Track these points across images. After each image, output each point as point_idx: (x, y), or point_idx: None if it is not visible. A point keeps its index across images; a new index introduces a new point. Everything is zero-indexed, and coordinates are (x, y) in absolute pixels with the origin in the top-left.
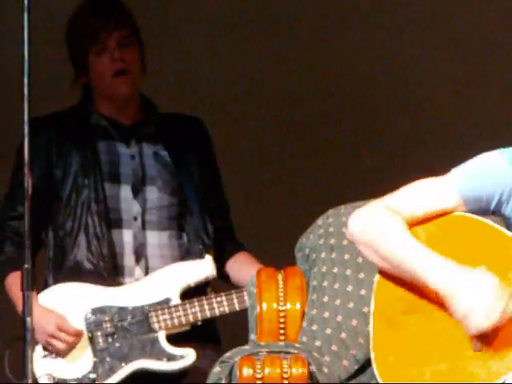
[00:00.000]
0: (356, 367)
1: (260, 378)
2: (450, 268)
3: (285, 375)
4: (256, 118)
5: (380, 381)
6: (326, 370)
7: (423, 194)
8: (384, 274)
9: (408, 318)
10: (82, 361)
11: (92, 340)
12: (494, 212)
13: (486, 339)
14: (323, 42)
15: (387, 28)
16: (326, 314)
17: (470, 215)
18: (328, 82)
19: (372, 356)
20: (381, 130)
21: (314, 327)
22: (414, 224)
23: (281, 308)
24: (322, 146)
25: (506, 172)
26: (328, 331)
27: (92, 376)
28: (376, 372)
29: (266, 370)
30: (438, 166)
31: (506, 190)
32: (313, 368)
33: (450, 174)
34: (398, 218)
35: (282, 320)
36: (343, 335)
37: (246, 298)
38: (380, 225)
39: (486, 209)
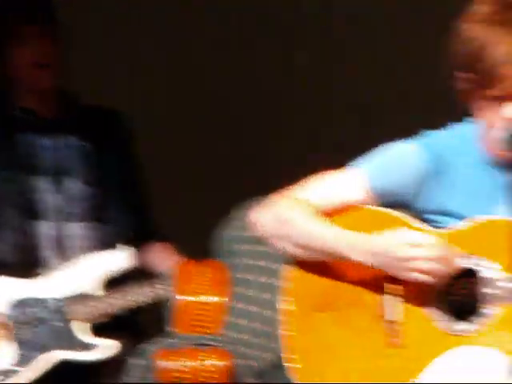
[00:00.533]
0: (279, 360)
1: (178, 371)
2: (371, 238)
3: (210, 368)
4: (176, 111)
5: (300, 381)
6: (249, 363)
7: (332, 187)
8: (293, 271)
9: (325, 315)
10: (3, 353)
11: (13, 331)
12: (407, 206)
13: (405, 335)
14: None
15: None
16: (251, 307)
17: (379, 209)
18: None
19: (288, 357)
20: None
21: (238, 320)
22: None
23: (202, 300)
24: (239, 141)
25: (413, 162)
26: (252, 324)
27: (14, 367)
28: (297, 374)
29: (186, 363)
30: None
31: (419, 183)
32: (236, 361)
33: (361, 166)
34: (307, 206)
35: (201, 312)
36: (267, 328)
37: (166, 289)
38: (291, 215)
39: (397, 201)
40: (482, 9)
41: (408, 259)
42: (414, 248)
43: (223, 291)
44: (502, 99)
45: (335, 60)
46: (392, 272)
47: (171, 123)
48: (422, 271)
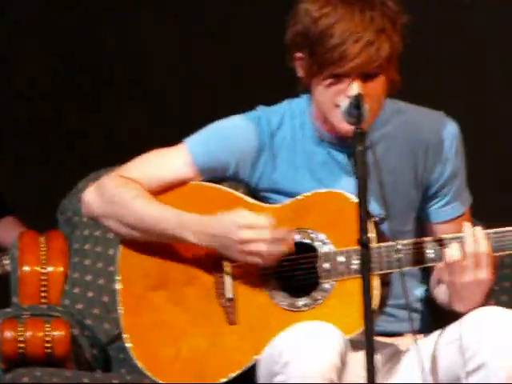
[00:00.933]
0: (118, 330)
1: (22, 341)
2: (203, 219)
3: (47, 338)
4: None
5: (137, 362)
6: (87, 332)
7: (159, 164)
8: (127, 248)
9: (158, 294)
10: None
11: None
12: (233, 178)
13: (243, 313)
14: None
15: None
16: (88, 277)
17: (207, 184)
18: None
19: (125, 337)
20: None
21: (76, 290)
22: (152, 194)
23: (43, 271)
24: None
25: (242, 138)
26: (90, 294)
27: None
28: (131, 352)
29: (28, 333)
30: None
31: (242, 157)
32: (75, 331)
33: (186, 143)
34: (135, 185)
35: (44, 283)
36: (105, 298)
37: (10, 261)
38: (120, 195)
39: (224, 176)
40: None
41: (242, 242)
42: (248, 230)
43: (63, 262)
44: (343, 77)
45: None
46: (227, 254)
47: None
48: (256, 253)
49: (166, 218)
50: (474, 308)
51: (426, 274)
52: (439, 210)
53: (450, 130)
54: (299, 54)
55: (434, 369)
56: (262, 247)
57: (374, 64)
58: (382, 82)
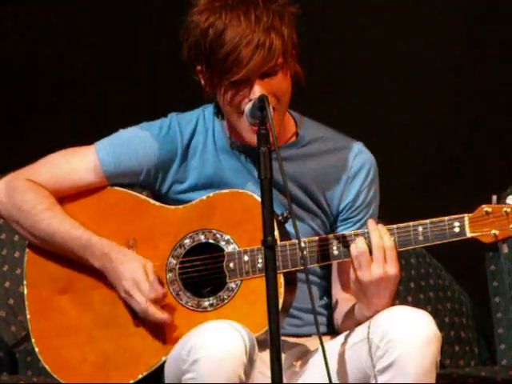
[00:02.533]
0: (24, 333)
1: None
2: (102, 245)
3: None
4: None
5: (45, 365)
6: None
7: (66, 167)
8: (33, 252)
9: (65, 297)
10: None
11: None
12: (142, 184)
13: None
14: None
15: None
16: None
17: (114, 188)
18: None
19: (33, 341)
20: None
21: None
22: (60, 197)
23: None
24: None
25: (152, 146)
26: None
27: None
28: (39, 357)
29: None
30: None
31: (153, 165)
32: None
33: (95, 147)
34: (45, 194)
35: None
36: (11, 301)
37: None
38: (23, 199)
39: (133, 182)
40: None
41: (127, 292)
42: (135, 288)
43: None
44: (243, 82)
45: None
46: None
47: None
48: (133, 304)
49: (74, 239)
50: (379, 310)
51: (328, 286)
52: None
53: (367, 159)
54: (198, 67)
55: (341, 369)
56: (137, 306)
57: (270, 63)
58: (283, 77)
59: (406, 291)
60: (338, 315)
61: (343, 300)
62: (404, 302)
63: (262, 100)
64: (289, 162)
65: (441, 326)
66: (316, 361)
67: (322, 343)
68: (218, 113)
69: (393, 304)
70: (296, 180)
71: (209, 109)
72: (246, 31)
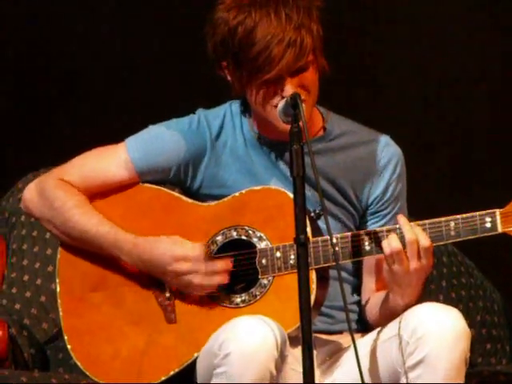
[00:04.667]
0: (55, 330)
1: None
2: (138, 243)
3: None
4: None
5: (76, 361)
6: (25, 333)
7: (97, 165)
8: (66, 250)
9: (97, 295)
10: None
11: None
12: (173, 181)
13: (182, 312)
14: None
15: None
16: (26, 277)
17: (145, 185)
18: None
19: (65, 338)
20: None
21: (14, 290)
22: (91, 195)
23: None
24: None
25: (182, 142)
26: (28, 294)
27: None
28: (71, 353)
29: None
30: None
31: (183, 161)
32: (13, 331)
33: (125, 144)
34: (75, 192)
35: None
36: (43, 298)
37: None
38: (58, 200)
39: (165, 179)
40: None
41: (176, 274)
42: (183, 263)
43: (0, 262)
44: (274, 80)
45: None
46: (161, 279)
47: None
48: (189, 285)
49: (103, 235)
50: (413, 298)
51: (359, 283)
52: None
53: (394, 152)
54: (224, 63)
55: (372, 366)
56: (195, 280)
57: (301, 61)
58: (313, 72)
59: (438, 289)
60: (371, 307)
61: (375, 293)
62: (436, 300)
63: (295, 98)
64: (317, 156)
65: (472, 324)
66: (348, 358)
67: (353, 340)
68: (245, 110)
69: (423, 291)
70: (325, 174)
71: (235, 104)
72: (277, 30)
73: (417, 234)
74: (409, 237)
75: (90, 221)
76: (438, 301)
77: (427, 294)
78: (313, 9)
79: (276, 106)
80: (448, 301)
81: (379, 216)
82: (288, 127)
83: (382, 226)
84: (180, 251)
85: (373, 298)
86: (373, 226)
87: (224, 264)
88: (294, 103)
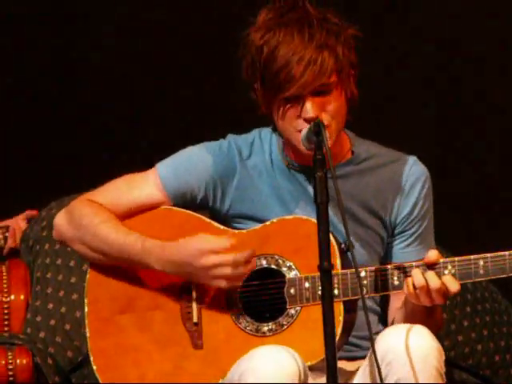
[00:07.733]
0: (80, 358)
1: None
2: (166, 246)
3: (10, 366)
4: None
5: (102, 382)
6: (50, 361)
7: (128, 189)
8: (95, 271)
9: (125, 317)
10: None
11: None
12: (202, 205)
13: (208, 338)
14: None
15: None
16: (50, 306)
17: (175, 208)
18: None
19: (91, 359)
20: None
21: (38, 318)
22: (121, 218)
23: (4, 299)
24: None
25: (212, 165)
26: (52, 322)
27: None
28: (97, 375)
29: None
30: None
31: (213, 184)
32: (37, 359)
33: (156, 168)
34: (102, 209)
35: (5, 311)
36: (67, 326)
37: None
38: (86, 217)
39: (193, 202)
40: (260, 18)
41: (207, 268)
42: (212, 255)
43: (25, 290)
44: (296, 99)
45: None
46: (193, 280)
47: None
48: (221, 277)
49: (131, 244)
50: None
51: (384, 316)
52: (401, 251)
53: (422, 172)
54: (256, 86)
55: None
56: (226, 271)
57: (321, 80)
58: (338, 96)
59: (462, 315)
60: (396, 322)
61: (399, 310)
62: (460, 327)
63: (318, 125)
64: (347, 179)
65: (496, 349)
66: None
67: (379, 368)
68: (274, 136)
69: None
70: (355, 196)
71: (264, 130)
72: (299, 48)
73: (442, 275)
74: (433, 282)
75: (117, 232)
76: (462, 327)
77: (451, 319)
78: (342, 33)
79: (300, 131)
80: (472, 327)
81: (405, 235)
82: (311, 152)
83: (408, 245)
84: (206, 245)
85: (397, 314)
86: (398, 246)
87: (250, 252)
88: (317, 130)
